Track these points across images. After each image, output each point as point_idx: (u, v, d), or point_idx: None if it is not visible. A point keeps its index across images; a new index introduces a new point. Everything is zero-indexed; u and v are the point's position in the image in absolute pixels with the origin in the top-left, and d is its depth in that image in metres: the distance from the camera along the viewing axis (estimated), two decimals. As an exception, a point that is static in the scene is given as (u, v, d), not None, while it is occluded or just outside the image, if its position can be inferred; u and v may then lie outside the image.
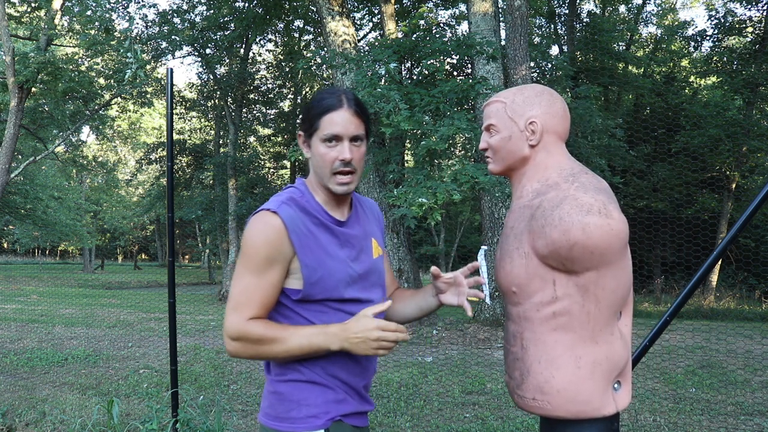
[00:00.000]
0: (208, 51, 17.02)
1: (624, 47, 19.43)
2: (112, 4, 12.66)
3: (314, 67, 17.39)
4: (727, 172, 15.97)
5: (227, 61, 17.80)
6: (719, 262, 13.86)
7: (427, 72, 8.86)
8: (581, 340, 1.32)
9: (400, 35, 9.47)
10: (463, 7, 14.99)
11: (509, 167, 1.48)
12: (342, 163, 1.38)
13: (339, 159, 1.38)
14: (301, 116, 1.43)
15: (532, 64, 12.98)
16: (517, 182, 1.49)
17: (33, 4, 15.46)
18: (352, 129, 1.38)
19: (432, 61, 7.74)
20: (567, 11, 18.17)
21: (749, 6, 16.19)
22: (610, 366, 1.34)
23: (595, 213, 1.25)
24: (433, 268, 1.50)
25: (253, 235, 1.34)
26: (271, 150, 21.98)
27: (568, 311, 1.32)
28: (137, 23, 15.01)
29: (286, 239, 1.33)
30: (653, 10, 21.77)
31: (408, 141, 9.32)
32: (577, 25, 18.12)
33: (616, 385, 1.37)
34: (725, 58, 17.06)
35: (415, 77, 9.88)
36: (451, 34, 14.23)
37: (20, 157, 19.37)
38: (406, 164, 10.55)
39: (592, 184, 1.35)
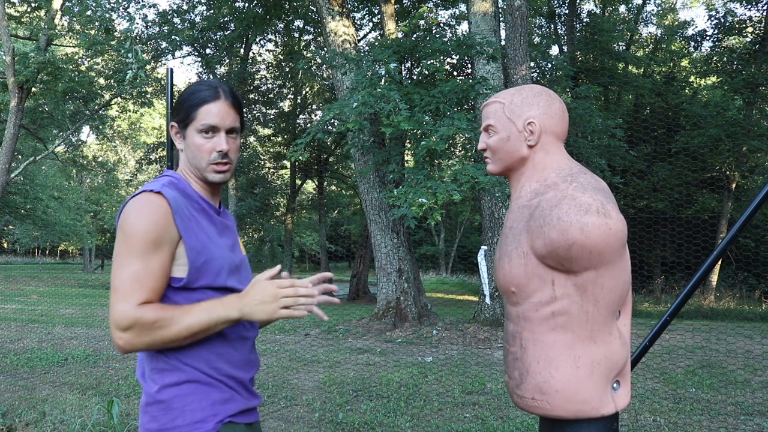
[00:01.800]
0: (208, 51, 17.03)
1: (624, 47, 19.43)
2: (112, 4, 12.66)
3: (314, 67, 17.40)
4: (727, 172, 15.98)
5: (227, 61, 17.81)
6: (719, 262, 13.87)
7: (427, 72, 8.87)
8: (580, 340, 1.32)
9: (400, 35, 9.48)
10: (463, 7, 14.99)
11: (508, 167, 1.48)
12: (219, 154, 1.37)
13: (216, 150, 1.36)
14: (174, 107, 1.41)
15: (532, 64, 12.98)
16: (515, 182, 1.49)
17: (33, 4, 15.47)
18: (229, 121, 1.37)
19: (432, 61, 7.75)
20: (567, 11, 18.17)
21: (749, 6, 16.20)
22: (609, 366, 1.34)
23: (594, 213, 1.25)
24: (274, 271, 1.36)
25: (137, 216, 1.25)
26: (271, 150, 21.99)
27: (567, 311, 1.31)
28: (137, 23, 15.02)
29: (171, 221, 1.27)
30: (653, 10, 21.79)
31: (408, 141, 9.32)
32: (577, 25, 18.13)
33: (615, 385, 1.37)
34: (725, 58, 17.06)
35: (415, 77, 9.89)
36: (451, 34, 14.23)
37: (20, 157, 19.37)
38: (406, 164, 10.56)
39: (591, 184, 1.36)
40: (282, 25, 18.18)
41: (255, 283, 1.29)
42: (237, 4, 15.38)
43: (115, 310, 1.22)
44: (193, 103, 1.37)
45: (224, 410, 1.32)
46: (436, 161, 8.78)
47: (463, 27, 16.36)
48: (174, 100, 1.42)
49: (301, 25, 18.35)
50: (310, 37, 19.11)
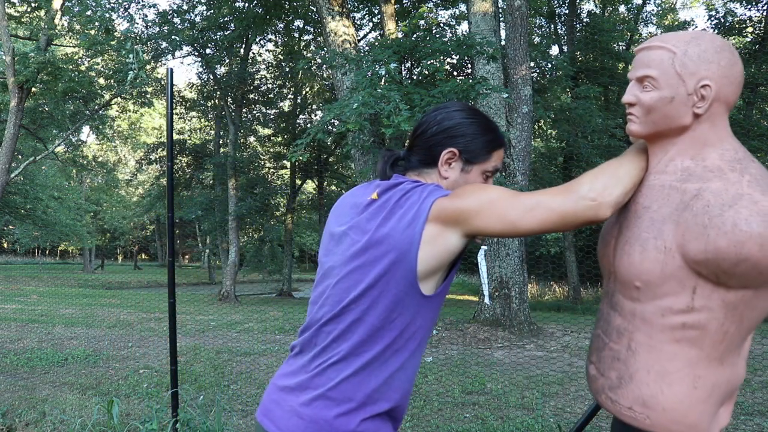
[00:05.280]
0: (208, 51, 17.02)
1: (624, 47, 19.43)
2: (112, 4, 12.65)
3: (314, 67, 17.40)
4: (727, 172, 15.96)
5: (227, 61, 17.81)
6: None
7: (427, 72, 8.88)
8: (707, 360, 1.14)
9: (400, 35, 9.48)
10: (463, 7, 14.99)
11: (658, 133, 1.21)
12: None
13: None
14: (463, 132, 1.30)
15: (532, 64, 12.98)
16: (660, 151, 1.22)
17: (33, 4, 15.47)
18: None
19: (432, 61, 7.74)
20: (567, 11, 18.18)
21: (749, 6, 16.21)
22: (729, 389, 1.18)
23: None
24: None
25: None
26: (271, 150, 22.00)
27: (703, 326, 1.12)
28: (137, 23, 15.01)
29: None
30: (653, 10, 21.79)
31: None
32: (577, 25, 18.13)
33: None
34: (725, 58, 17.05)
35: (415, 77, 9.90)
36: (451, 34, 14.23)
37: (20, 157, 19.38)
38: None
39: (765, 179, 1.11)
40: (282, 25, 18.18)
41: None
42: (237, 4, 15.38)
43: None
44: (496, 145, 1.33)
45: None
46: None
47: (463, 27, 16.38)
48: (451, 127, 1.32)
49: (301, 25, 18.35)
50: (310, 37, 19.11)
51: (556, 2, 18.45)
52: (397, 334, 1.21)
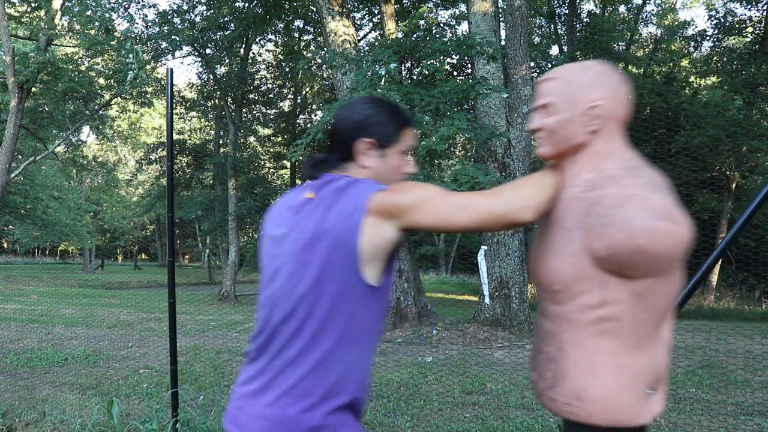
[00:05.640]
0: (208, 51, 17.03)
1: (624, 47, 19.44)
2: (112, 4, 12.65)
3: (314, 67, 17.40)
4: (727, 172, 15.98)
5: (227, 61, 17.81)
6: (719, 262, 13.86)
7: (427, 72, 8.87)
8: (626, 348, 1.25)
9: (400, 35, 9.47)
10: (463, 7, 14.99)
11: (562, 152, 1.36)
12: (409, 177, 1.43)
13: (408, 173, 1.42)
14: (371, 122, 1.38)
15: (532, 64, 12.99)
16: (568, 168, 1.36)
17: (33, 4, 15.47)
18: None
19: (432, 61, 7.74)
20: (567, 11, 18.18)
21: (749, 6, 16.21)
22: (654, 375, 1.28)
23: (666, 218, 1.15)
24: None
25: None
26: (271, 150, 22.01)
27: (617, 317, 1.23)
28: (137, 23, 15.00)
29: None
30: (653, 10, 21.80)
31: (408, 141, 9.29)
32: (577, 25, 18.14)
33: (649, 391, 1.31)
34: (725, 58, 17.07)
35: (415, 77, 9.89)
36: (451, 34, 14.24)
37: (20, 157, 19.37)
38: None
39: (658, 182, 1.25)
40: (282, 25, 18.19)
41: None
42: (237, 4, 15.38)
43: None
44: (403, 124, 1.41)
45: None
46: (436, 161, 8.77)
47: (463, 27, 16.38)
48: (361, 120, 1.40)
49: (301, 25, 18.36)
50: (310, 37, 19.11)
51: (556, 2, 18.46)
52: (345, 325, 1.25)
